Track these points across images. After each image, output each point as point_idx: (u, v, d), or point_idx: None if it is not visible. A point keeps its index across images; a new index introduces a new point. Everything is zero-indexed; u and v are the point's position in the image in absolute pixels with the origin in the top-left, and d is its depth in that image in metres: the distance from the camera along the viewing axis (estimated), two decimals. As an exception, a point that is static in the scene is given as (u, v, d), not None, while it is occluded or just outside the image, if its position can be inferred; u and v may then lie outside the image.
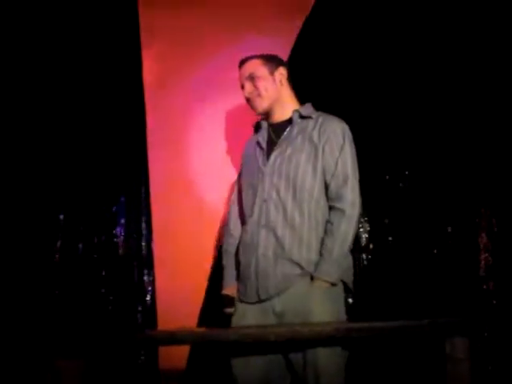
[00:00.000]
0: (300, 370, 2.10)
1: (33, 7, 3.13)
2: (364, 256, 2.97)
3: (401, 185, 3.01)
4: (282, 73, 2.36)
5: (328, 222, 2.17)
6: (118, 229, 3.08)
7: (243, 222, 2.36)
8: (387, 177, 3.03)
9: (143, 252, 3.06)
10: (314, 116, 2.30)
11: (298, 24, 3.02)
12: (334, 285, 2.12)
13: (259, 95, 2.32)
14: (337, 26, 3.08)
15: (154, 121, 3.06)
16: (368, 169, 2.78)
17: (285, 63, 2.44)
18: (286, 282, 2.14)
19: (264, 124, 2.38)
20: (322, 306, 2.10)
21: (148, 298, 3.00)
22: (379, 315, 2.79)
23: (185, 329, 2.23)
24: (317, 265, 2.13)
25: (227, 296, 2.31)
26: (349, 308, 2.28)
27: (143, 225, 3.08)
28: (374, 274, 2.93)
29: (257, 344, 2.06)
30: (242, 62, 2.38)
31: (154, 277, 3.00)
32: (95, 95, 3.16)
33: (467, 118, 2.98)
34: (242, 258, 2.29)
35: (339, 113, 2.37)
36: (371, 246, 2.98)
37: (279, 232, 2.17)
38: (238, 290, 2.28)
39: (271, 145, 2.31)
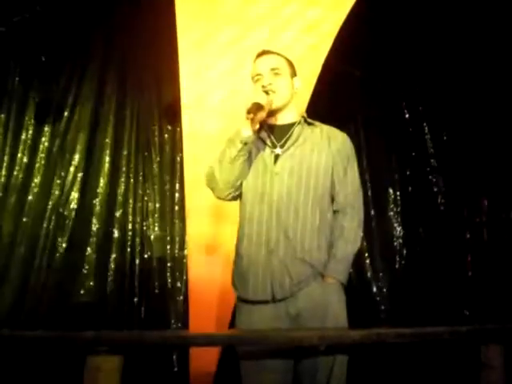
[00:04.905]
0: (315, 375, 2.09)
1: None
2: (398, 258, 2.96)
3: (435, 189, 3.00)
4: (298, 81, 2.36)
5: (338, 225, 2.24)
6: (154, 230, 3.13)
7: (243, 217, 2.28)
8: (421, 180, 3.02)
9: (177, 254, 3.10)
10: (316, 124, 2.33)
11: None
12: (342, 284, 2.18)
13: (276, 92, 2.25)
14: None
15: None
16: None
17: None
18: (299, 283, 2.16)
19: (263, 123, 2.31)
20: (339, 305, 2.15)
21: (181, 299, 3.04)
22: (412, 321, 2.77)
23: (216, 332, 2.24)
24: (326, 264, 2.18)
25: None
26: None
27: (177, 227, 3.12)
28: (407, 279, 2.92)
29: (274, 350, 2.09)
30: (267, 53, 2.33)
31: (187, 278, 3.03)
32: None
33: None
34: (245, 253, 2.24)
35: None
36: (405, 251, 2.97)
37: (291, 232, 2.18)
38: (237, 289, 2.26)
39: (275, 146, 2.28)
